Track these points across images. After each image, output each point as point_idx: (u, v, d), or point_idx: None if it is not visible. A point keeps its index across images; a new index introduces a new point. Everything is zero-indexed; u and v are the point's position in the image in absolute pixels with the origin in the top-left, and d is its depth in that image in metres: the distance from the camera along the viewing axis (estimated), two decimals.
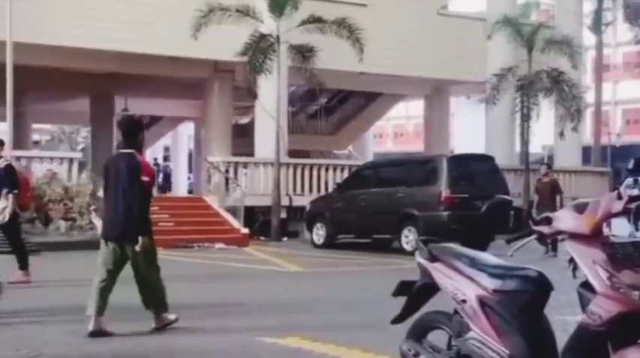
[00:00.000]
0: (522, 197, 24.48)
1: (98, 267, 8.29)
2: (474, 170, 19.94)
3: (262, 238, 22.32)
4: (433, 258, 4.98)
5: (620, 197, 4.28)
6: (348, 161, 32.11)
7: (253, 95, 22.70)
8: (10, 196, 11.98)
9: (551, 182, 19.26)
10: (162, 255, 8.57)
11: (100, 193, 19.36)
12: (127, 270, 8.39)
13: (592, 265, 4.16)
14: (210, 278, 14.11)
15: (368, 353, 7.41)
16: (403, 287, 5.15)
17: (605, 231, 4.31)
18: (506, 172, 22.33)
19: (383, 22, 25.89)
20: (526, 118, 25.39)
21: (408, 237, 18.46)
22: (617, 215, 4.31)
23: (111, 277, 8.24)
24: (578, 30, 29.84)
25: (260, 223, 23.54)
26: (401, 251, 18.38)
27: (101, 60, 24.34)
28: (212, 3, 21.75)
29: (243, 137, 29.52)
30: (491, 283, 4.61)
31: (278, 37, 21.94)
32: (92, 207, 19.73)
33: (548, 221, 4.49)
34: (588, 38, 37.12)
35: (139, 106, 33.40)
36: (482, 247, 14.68)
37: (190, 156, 44.17)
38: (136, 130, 8.59)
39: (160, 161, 47.88)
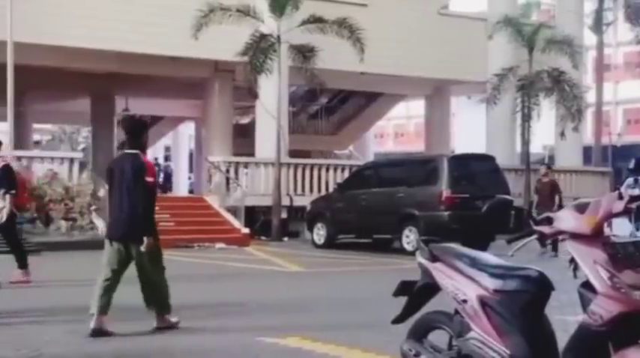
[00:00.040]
0: (523, 197, 24.47)
1: (102, 267, 8.29)
2: (475, 170, 19.93)
3: (263, 238, 22.33)
4: (434, 258, 4.98)
5: (620, 197, 4.28)
6: (349, 161, 32.11)
7: (254, 95, 22.71)
8: (8, 197, 11.98)
9: (551, 182, 19.26)
10: (163, 254, 8.56)
11: (101, 193, 19.45)
12: (131, 270, 8.38)
13: (593, 265, 4.16)
14: (211, 278, 14.11)
15: (369, 353, 7.40)
16: (404, 287, 5.15)
17: (606, 230, 4.31)
18: (506, 172, 22.31)
19: (384, 22, 25.89)
20: (527, 118, 25.39)
21: (409, 237, 18.46)
22: (618, 215, 4.31)
23: (115, 276, 8.25)
24: (579, 30, 29.85)
25: (261, 223, 23.55)
26: (401, 251, 18.38)
27: (102, 60, 24.35)
28: (213, 3, 21.75)
29: (243, 137, 29.53)
30: (492, 283, 4.61)
31: (279, 37, 21.94)
32: (93, 207, 19.71)
33: (548, 221, 4.49)
34: (589, 38, 37.10)
35: (140, 106, 33.37)
36: (483, 247, 14.69)
37: (191, 156, 44.17)
38: (140, 131, 8.59)
39: (161, 161, 47.88)
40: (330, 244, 20.45)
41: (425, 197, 18.49)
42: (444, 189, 18.29)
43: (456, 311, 4.82)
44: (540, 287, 4.54)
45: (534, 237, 4.58)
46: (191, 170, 43.99)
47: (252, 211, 23.39)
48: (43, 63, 24.31)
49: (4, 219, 11.98)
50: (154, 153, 46.44)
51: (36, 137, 49.02)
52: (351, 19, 22.49)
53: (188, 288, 11.37)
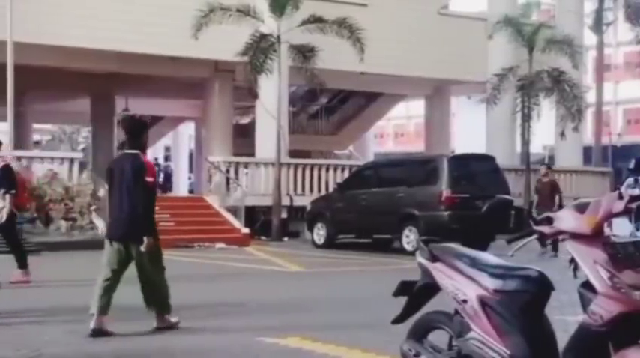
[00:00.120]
0: (523, 197, 24.47)
1: (102, 267, 8.29)
2: (475, 170, 19.93)
3: (263, 238, 22.33)
4: (434, 258, 4.98)
5: (621, 197, 4.28)
6: (349, 161, 32.11)
7: (254, 95, 22.71)
8: (8, 197, 11.98)
9: (551, 182, 19.27)
10: (163, 254, 8.56)
11: (101, 193, 19.45)
12: (131, 270, 8.38)
13: (593, 265, 4.16)
14: (211, 278, 14.11)
15: (369, 353, 7.40)
16: (404, 287, 5.16)
17: (606, 230, 4.31)
18: (506, 172, 22.31)
19: (384, 22, 25.89)
20: (527, 118, 25.39)
21: (409, 237, 18.46)
22: (618, 215, 4.31)
23: (115, 276, 8.25)
24: (579, 30, 29.84)
25: (261, 223, 23.55)
26: (401, 251, 18.38)
27: (102, 60, 24.35)
28: (213, 3, 21.75)
29: (243, 137, 29.54)
30: (492, 283, 4.61)
31: (279, 37, 21.94)
32: (93, 207, 19.72)
33: (549, 221, 4.49)
34: (589, 38, 37.10)
35: (140, 106, 33.38)
36: (483, 247, 14.69)
37: (191, 156, 44.18)
38: (140, 131, 8.60)
39: (161, 161, 47.89)
40: (330, 244, 20.45)
41: (425, 197, 18.49)
42: (444, 189, 18.29)
43: (456, 311, 4.82)
44: (540, 287, 4.54)
45: (534, 237, 4.58)
46: (191, 170, 44.00)
47: (252, 211, 23.39)
48: (43, 63, 24.31)
49: (4, 219, 11.98)
50: (153, 153, 46.46)
51: (36, 137, 49.03)
52: (351, 19, 22.49)
53: (188, 288, 11.37)
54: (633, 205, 4.26)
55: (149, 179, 8.23)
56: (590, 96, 35.46)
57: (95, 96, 32.66)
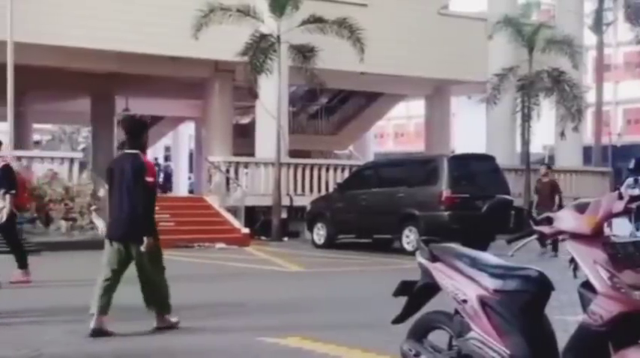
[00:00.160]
0: (523, 197, 24.47)
1: (102, 267, 8.29)
2: (475, 170, 19.93)
3: (263, 238, 22.33)
4: (434, 258, 4.98)
5: (621, 197, 4.28)
6: (349, 161, 32.10)
7: (254, 95, 22.72)
8: (8, 197, 11.98)
9: (551, 182, 19.27)
10: (164, 254, 8.56)
11: (101, 193, 19.44)
12: (131, 270, 8.38)
13: (593, 265, 4.16)
14: (211, 278, 14.11)
15: (369, 353, 7.40)
16: (404, 287, 5.16)
17: (606, 230, 4.31)
18: (507, 172, 22.32)
19: (384, 22, 25.89)
20: (527, 118, 25.39)
21: (409, 237, 18.46)
22: (618, 215, 4.31)
23: (115, 276, 8.25)
24: (579, 30, 29.84)
25: (261, 223, 23.55)
26: (402, 251, 18.38)
27: (102, 60, 24.35)
28: (213, 3, 21.75)
29: (243, 137, 29.53)
30: (492, 283, 4.61)
31: (279, 37, 21.94)
32: (93, 207, 19.72)
33: (549, 221, 4.49)
34: (589, 38, 37.10)
35: (140, 106, 33.40)
36: (483, 247, 14.69)
37: (191, 156, 44.18)
38: (140, 131, 8.60)
39: (161, 161, 47.89)
40: (330, 244, 20.45)
41: (425, 197, 18.49)
42: (444, 189, 18.29)
43: (456, 311, 4.82)
44: (540, 287, 4.54)
45: (534, 237, 4.58)
46: (191, 170, 44.00)
47: (252, 211, 23.39)
48: (43, 63, 24.31)
49: (4, 219, 11.98)
50: (153, 153, 46.47)
51: (36, 137, 49.03)
52: (351, 19, 22.49)
53: (188, 288, 11.37)
54: (633, 205, 4.26)
55: (149, 179, 8.23)
56: (590, 96, 35.46)
57: (95, 96, 32.67)
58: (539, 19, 35.21)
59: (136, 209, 8.15)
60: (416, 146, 46.46)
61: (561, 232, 4.39)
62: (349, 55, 22.38)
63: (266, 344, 7.79)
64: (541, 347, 4.46)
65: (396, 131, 63.71)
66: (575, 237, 4.28)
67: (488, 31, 27.02)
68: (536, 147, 33.50)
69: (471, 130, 39.33)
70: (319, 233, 20.87)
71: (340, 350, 7.52)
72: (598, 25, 38.25)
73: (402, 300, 5.17)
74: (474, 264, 4.76)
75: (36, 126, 43.52)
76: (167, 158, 51.11)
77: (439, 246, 5.07)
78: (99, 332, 7.99)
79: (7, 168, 12.34)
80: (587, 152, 32.75)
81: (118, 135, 33.35)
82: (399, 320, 5.19)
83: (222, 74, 26.85)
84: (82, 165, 22.28)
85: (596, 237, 4.23)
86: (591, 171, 31.01)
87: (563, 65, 25.44)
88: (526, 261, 5.11)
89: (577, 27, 29.37)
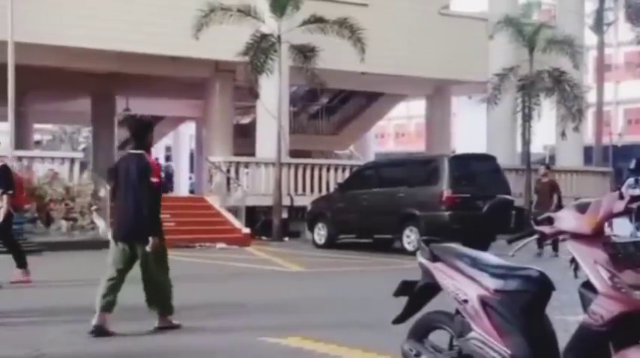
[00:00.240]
0: (524, 197, 24.46)
1: (108, 266, 8.30)
2: (476, 170, 19.93)
3: (264, 238, 22.33)
4: (435, 258, 4.98)
5: (621, 197, 4.28)
6: (350, 161, 32.11)
7: (254, 95, 22.72)
8: (5, 197, 11.98)
9: (550, 182, 19.27)
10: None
11: (102, 193, 19.44)
12: (135, 269, 8.38)
13: (593, 265, 4.16)
14: (212, 278, 14.11)
15: (369, 353, 7.40)
16: (405, 287, 5.16)
17: (607, 230, 4.31)
18: (507, 172, 22.32)
19: (384, 22, 25.89)
20: (527, 118, 25.37)
21: (410, 237, 18.46)
22: (618, 215, 4.31)
23: (120, 276, 8.26)
24: (580, 30, 29.83)
25: (261, 223, 23.55)
26: (402, 251, 18.38)
27: (102, 60, 24.35)
28: (213, 3, 21.75)
29: (244, 137, 29.53)
30: (492, 283, 4.61)
31: (279, 37, 21.94)
32: (94, 207, 19.73)
33: (549, 221, 4.49)
34: (590, 38, 37.11)
35: (141, 106, 33.41)
36: (484, 247, 14.69)
37: (192, 156, 44.19)
38: (145, 131, 8.61)
39: (162, 161, 47.88)
40: (330, 244, 20.45)
41: (426, 197, 18.49)
42: (444, 189, 18.29)
43: (457, 311, 4.82)
44: (541, 287, 4.54)
45: (535, 237, 4.58)
46: (192, 170, 44.02)
47: (253, 211, 23.39)
48: (43, 63, 24.32)
49: (0, 219, 11.98)
50: (154, 153, 46.25)
51: (37, 137, 49.06)
52: (351, 19, 22.49)
53: (189, 288, 11.36)
54: (634, 205, 4.26)
55: (154, 179, 8.25)
56: (591, 97, 35.42)
57: (96, 96, 32.68)
58: (539, 19, 35.20)
59: (141, 209, 8.16)
60: (416, 146, 46.46)
61: (562, 232, 4.39)
62: (350, 55, 22.38)
63: (267, 344, 7.79)
64: (542, 347, 4.46)
65: (397, 131, 63.72)
66: (576, 237, 4.28)
67: (488, 31, 27.00)
68: (537, 147, 33.50)
69: (471, 130, 39.32)
70: (320, 233, 20.88)
71: (341, 350, 7.52)
72: (599, 25, 38.27)
73: (403, 300, 5.17)
74: (475, 264, 4.76)
75: (37, 126, 43.54)
76: (168, 158, 51.12)
77: (440, 246, 5.07)
78: (100, 330, 7.98)
79: (5, 168, 12.35)
80: (587, 152, 32.76)
81: (119, 135, 33.41)
82: (400, 320, 5.19)
83: (223, 74, 26.85)
84: (83, 165, 22.28)
85: (596, 237, 4.23)
86: (592, 171, 31.00)
87: (564, 65, 25.43)
88: (527, 261, 5.11)
89: (578, 27, 29.36)
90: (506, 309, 4.52)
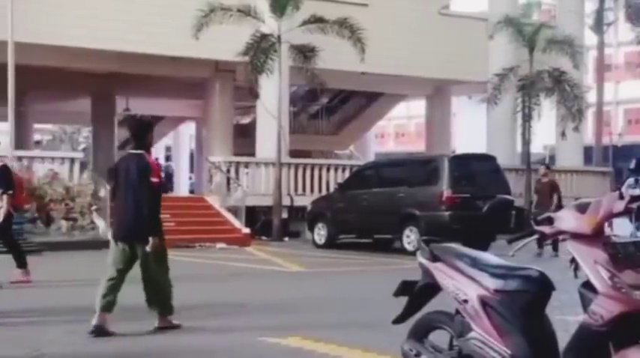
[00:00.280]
0: (524, 197, 24.46)
1: (108, 266, 8.30)
2: (476, 170, 19.93)
3: (264, 238, 22.33)
4: (435, 258, 4.98)
5: (621, 197, 4.28)
6: (350, 161, 32.11)
7: (254, 95, 22.72)
8: (5, 197, 11.98)
9: (550, 182, 19.27)
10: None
11: (102, 193, 19.43)
12: (135, 269, 8.38)
13: (593, 265, 4.16)
14: (212, 278, 14.11)
15: (369, 353, 7.40)
16: (405, 287, 5.16)
17: (607, 230, 4.31)
18: (507, 172, 22.32)
19: (384, 22, 25.89)
20: (527, 118, 25.37)
21: (410, 237, 18.46)
22: (618, 215, 4.31)
23: (120, 276, 8.27)
24: (580, 30, 29.83)
25: (261, 223, 23.55)
26: (402, 251, 18.38)
27: (102, 60, 24.35)
28: (213, 3, 21.75)
29: (244, 137, 29.53)
30: (492, 283, 4.61)
31: (279, 37, 21.94)
32: (94, 207, 19.73)
33: (549, 221, 4.49)
34: (590, 38, 37.11)
35: (141, 106, 33.40)
36: (484, 247, 14.69)
37: (192, 156, 44.19)
38: (145, 131, 8.61)
39: (162, 161, 47.87)
40: (330, 244, 20.45)
41: (426, 197, 18.49)
42: (444, 189, 18.29)
43: (457, 311, 4.82)
44: (541, 287, 4.54)
45: (535, 237, 4.58)
46: (192, 170, 44.02)
47: (253, 211, 23.39)
48: (43, 63, 24.32)
49: (0, 219, 11.97)
50: (154, 153, 46.29)
51: (37, 137, 49.06)
52: (351, 19, 22.49)
53: (189, 288, 11.36)
54: (634, 205, 4.26)
55: (154, 179, 8.25)
56: (591, 97, 35.42)
57: (96, 96, 32.68)
58: (539, 19, 35.20)
59: (141, 209, 8.16)
60: (416, 146, 46.45)
61: (562, 232, 4.39)
62: (350, 55, 22.38)
63: (267, 344, 7.79)
64: (542, 347, 4.46)
65: (397, 131, 63.72)
66: (576, 237, 4.28)
67: (488, 31, 27.00)
68: (537, 147, 33.50)
69: (471, 130, 39.33)
70: (320, 233, 20.87)
71: (341, 350, 7.52)
72: (599, 25, 38.27)
73: (403, 300, 5.17)
74: (475, 264, 4.76)
75: (37, 126, 43.55)
76: (168, 158, 51.12)
77: (440, 246, 5.07)
78: (100, 330, 7.98)
79: (5, 168, 12.35)
80: (587, 152, 32.76)
81: (119, 135, 33.41)
82: (400, 320, 5.19)
83: (223, 74, 26.85)
84: (83, 165, 22.27)
85: (596, 237, 4.23)
86: (592, 171, 31.00)
87: (564, 65, 25.43)
88: (527, 261, 5.11)
89: (578, 27, 29.36)
90: (506, 309, 4.52)
